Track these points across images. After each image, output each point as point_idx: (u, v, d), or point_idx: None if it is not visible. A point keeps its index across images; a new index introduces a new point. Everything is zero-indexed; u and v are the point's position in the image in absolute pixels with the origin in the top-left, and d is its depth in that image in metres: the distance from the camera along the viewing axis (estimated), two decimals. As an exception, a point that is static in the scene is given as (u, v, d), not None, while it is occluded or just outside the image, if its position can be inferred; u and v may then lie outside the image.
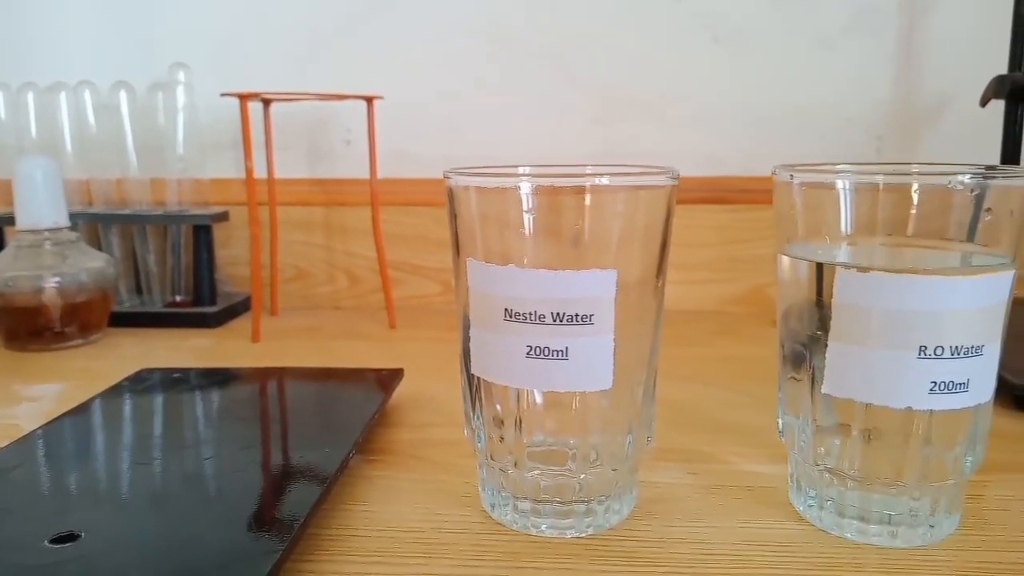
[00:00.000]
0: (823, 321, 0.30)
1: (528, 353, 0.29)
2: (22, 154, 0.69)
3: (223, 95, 0.60)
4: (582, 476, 0.31)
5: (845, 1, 0.69)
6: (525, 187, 0.30)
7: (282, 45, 0.74)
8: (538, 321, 0.29)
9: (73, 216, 0.65)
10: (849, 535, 0.31)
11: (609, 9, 0.71)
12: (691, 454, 0.40)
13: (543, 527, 0.32)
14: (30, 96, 0.70)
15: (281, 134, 0.73)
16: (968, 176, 0.28)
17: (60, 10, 0.74)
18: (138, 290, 0.72)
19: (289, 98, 0.65)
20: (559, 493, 0.31)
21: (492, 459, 0.32)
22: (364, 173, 0.67)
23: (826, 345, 0.30)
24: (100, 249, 0.69)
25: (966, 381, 0.29)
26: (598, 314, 0.29)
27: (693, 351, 0.61)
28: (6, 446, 0.36)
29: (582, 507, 0.32)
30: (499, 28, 0.72)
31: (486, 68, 0.73)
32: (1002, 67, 0.61)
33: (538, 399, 0.31)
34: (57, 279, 0.60)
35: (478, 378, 0.31)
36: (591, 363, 0.30)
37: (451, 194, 0.31)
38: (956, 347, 0.28)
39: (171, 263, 0.71)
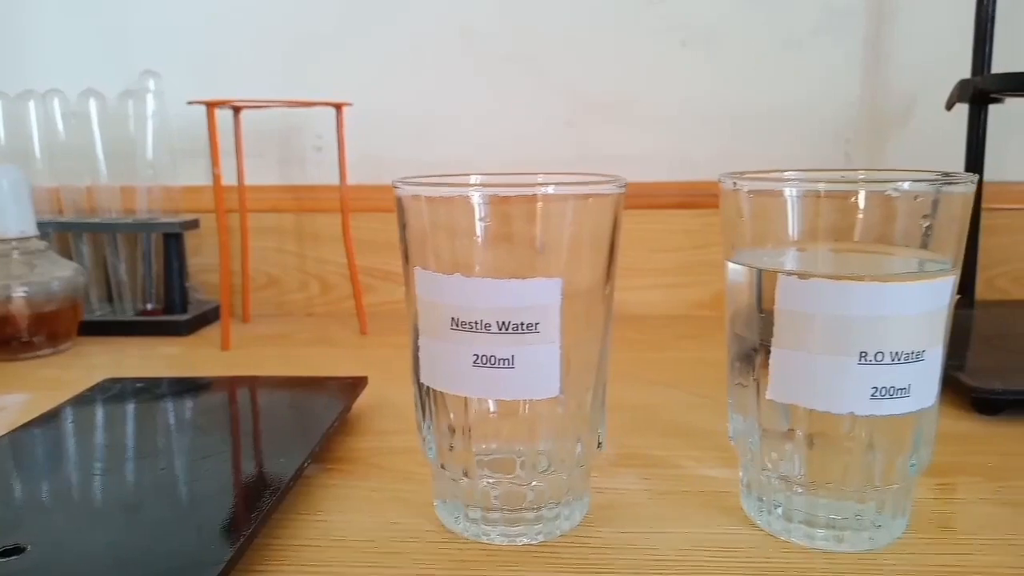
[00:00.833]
0: (767, 327, 0.30)
1: (475, 362, 0.30)
2: (-9, 163, 0.69)
3: (190, 103, 0.60)
4: (532, 484, 0.32)
5: (813, 4, 0.70)
6: (472, 196, 0.30)
7: (256, 52, 0.74)
8: (484, 330, 0.29)
9: (43, 225, 0.65)
10: (796, 540, 0.32)
11: (580, 13, 0.71)
12: (648, 459, 0.40)
13: (494, 535, 0.32)
14: (-1, 104, 0.70)
15: (253, 141, 0.73)
16: (907, 183, 0.29)
17: (29, 17, 0.74)
18: (109, 298, 0.72)
19: (258, 105, 0.65)
20: (509, 501, 0.32)
21: (443, 468, 0.32)
22: (336, 179, 0.67)
23: (769, 351, 0.30)
24: (71, 258, 0.69)
25: (907, 386, 0.29)
26: (544, 322, 0.29)
27: (660, 355, 0.61)
28: (-40, 458, 0.36)
29: (532, 514, 0.32)
30: (471, 33, 0.72)
31: (458, 73, 0.73)
32: (968, 70, 0.62)
33: (486, 407, 0.31)
34: (25, 289, 0.60)
35: (427, 387, 0.32)
36: (538, 371, 0.30)
37: (400, 203, 0.31)
38: (896, 353, 0.29)
39: (142, 271, 0.71)
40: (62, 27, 0.74)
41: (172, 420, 0.42)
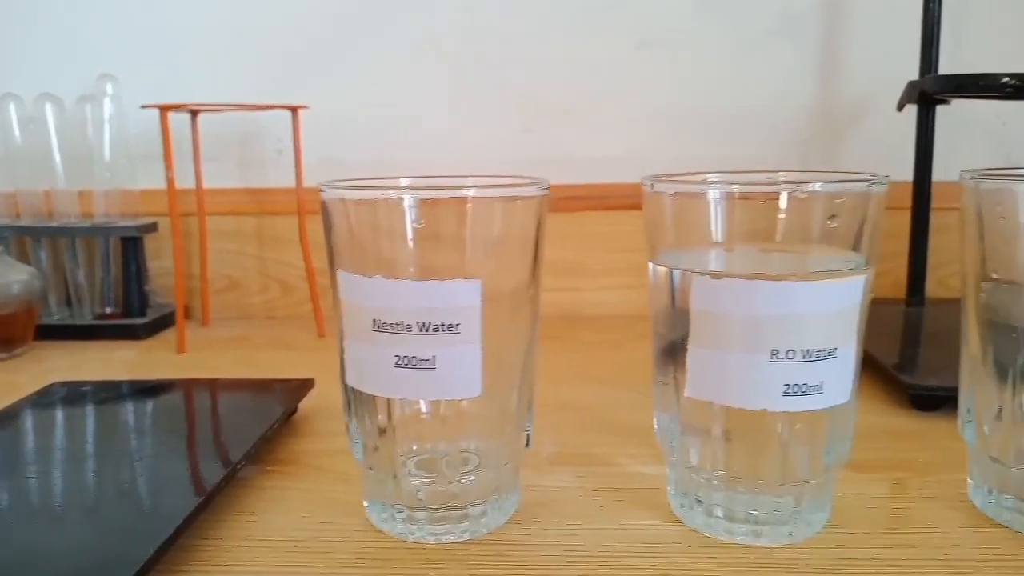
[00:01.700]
0: (685, 326, 0.31)
1: (397, 363, 0.30)
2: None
3: (143, 107, 0.60)
4: (458, 483, 0.32)
5: (768, 6, 0.70)
6: (394, 199, 0.30)
7: (218, 57, 0.74)
8: (405, 331, 0.30)
9: (0, 229, 0.65)
10: (717, 535, 0.32)
11: (537, 16, 0.72)
12: (585, 457, 0.41)
13: (421, 534, 0.32)
14: (-45, 109, 0.70)
15: (213, 144, 0.73)
16: (814, 185, 0.29)
17: (-13, 22, 0.74)
18: (68, 303, 0.71)
19: (215, 108, 0.65)
20: (435, 500, 0.32)
21: (371, 468, 0.33)
22: (295, 182, 0.68)
23: (687, 349, 0.31)
24: (29, 262, 0.69)
25: (820, 383, 0.30)
26: (464, 323, 0.30)
27: (614, 355, 0.61)
28: None
29: (458, 513, 0.32)
30: (433, 37, 0.73)
31: (419, 77, 0.73)
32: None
33: (411, 408, 0.32)
34: (-22, 293, 0.60)
35: (353, 388, 0.32)
36: (459, 371, 0.30)
37: (324, 207, 0.32)
38: (808, 351, 0.29)
39: (100, 275, 0.71)
40: (18, 32, 0.74)
41: (113, 423, 0.42)
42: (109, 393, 0.46)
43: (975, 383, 0.34)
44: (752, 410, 0.30)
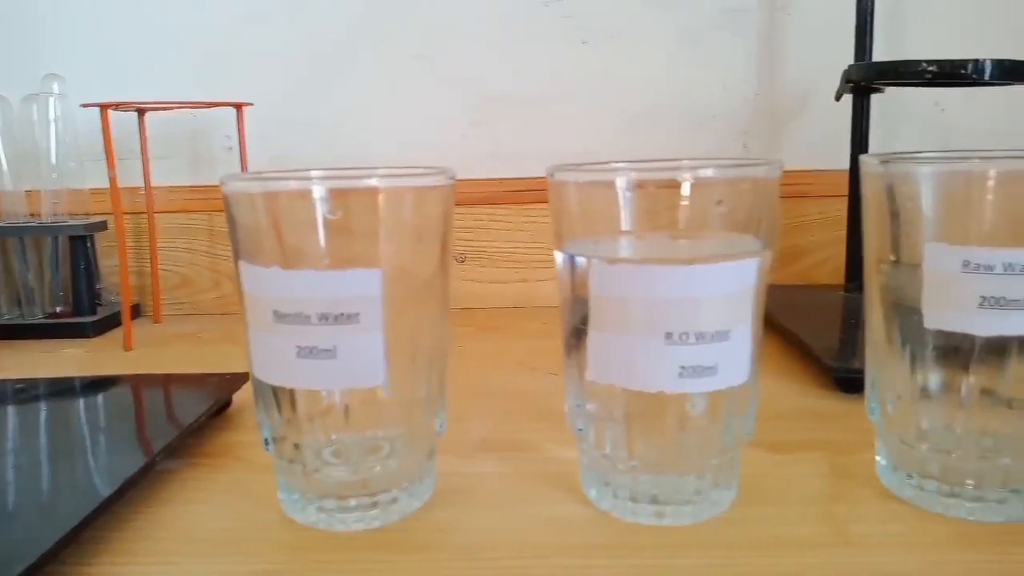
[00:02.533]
0: (585, 312, 0.31)
1: (298, 353, 0.30)
2: None
3: (83, 105, 0.60)
4: (368, 470, 0.32)
5: (711, 1, 0.71)
6: (298, 190, 0.30)
7: (167, 56, 0.74)
8: (304, 322, 0.30)
9: (-56, 230, 0.64)
10: (623, 516, 0.33)
11: (480, 12, 0.72)
12: (510, 443, 0.41)
13: (331, 522, 0.33)
14: (-100, 110, 0.70)
15: (163, 143, 0.73)
16: (699, 171, 0.30)
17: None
18: (19, 303, 0.71)
19: (160, 107, 0.66)
20: (345, 488, 0.32)
21: (281, 459, 0.33)
22: (241, 179, 0.68)
23: (587, 334, 0.31)
24: (-22, 263, 0.69)
25: (715, 365, 0.30)
26: (364, 312, 0.30)
27: (554, 344, 0.61)
28: None
29: (369, 500, 0.33)
30: (379, 34, 0.73)
31: (366, 73, 0.73)
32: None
33: (317, 398, 0.32)
34: (-80, 294, 0.59)
35: (260, 380, 0.32)
36: (361, 361, 0.30)
37: (226, 200, 0.32)
38: (702, 333, 0.30)
39: (50, 274, 0.71)
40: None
41: (40, 419, 0.42)
42: (42, 390, 0.46)
43: (878, 364, 0.35)
44: (650, 392, 0.30)
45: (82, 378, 0.49)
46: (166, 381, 0.48)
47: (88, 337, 0.67)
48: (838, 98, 0.65)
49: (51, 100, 0.69)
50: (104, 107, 0.59)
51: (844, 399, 0.46)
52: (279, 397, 0.32)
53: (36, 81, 0.70)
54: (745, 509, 0.33)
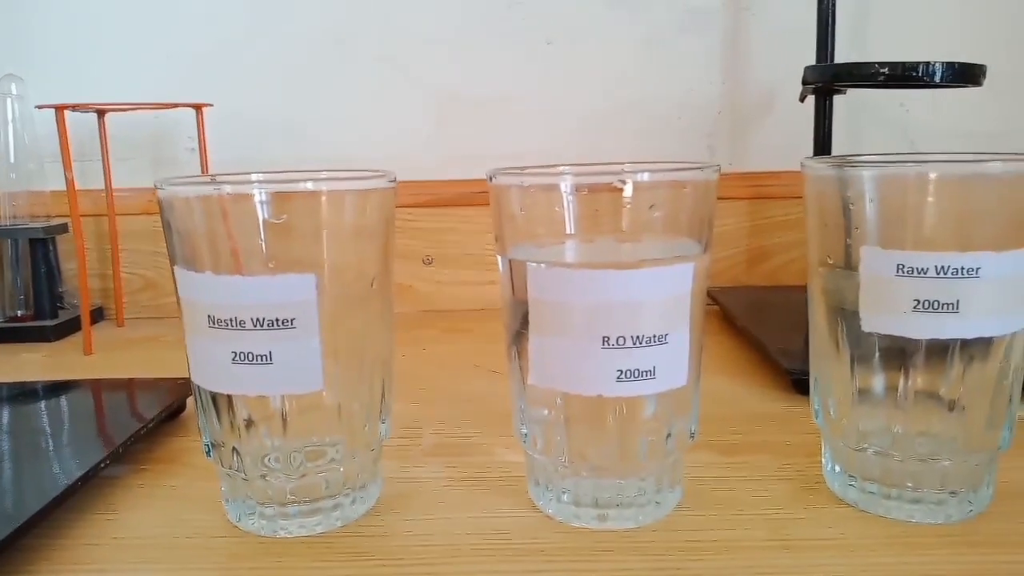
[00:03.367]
0: (526, 315, 0.31)
1: (234, 359, 0.30)
2: None
3: (38, 107, 0.59)
4: (309, 477, 0.32)
5: (676, 2, 0.71)
6: (233, 195, 0.30)
7: (130, 58, 0.73)
8: (239, 327, 0.30)
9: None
10: (568, 520, 0.33)
11: (445, 14, 0.72)
12: (462, 447, 0.41)
13: (273, 528, 0.32)
14: None
15: (126, 144, 0.72)
16: (645, 174, 0.30)
17: None
18: (-20, 306, 0.71)
19: (119, 108, 0.65)
20: (286, 495, 0.32)
21: (221, 465, 0.33)
22: (204, 181, 0.67)
23: (528, 339, 0.31)
24: (-63, 266, 0.68)
25: (652, 369, 0.30)
26: (300, 318, 0.30)
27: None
28: None
29: (309, 507, 0.32)
30: (339, 35, 0.72)
31: (330, 75, 0.73)
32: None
33: (256, 404, 0.32)
34: None
35: (198, 386, 0.32)
36: (297, 366, 0.30)
37: (161, 204, 0.31)
38: (638, 337, 0.30)
39: (10, 278, 0.70)
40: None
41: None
42: (-9, 396, 0.46)
43: (821, 367, 0.35)
44: (588, 396, 0.30)
45: (34, 383, 0.48)
46: (119, 386, 0.48)
47: (49, 341, 0.67)
48: (802, 99, 0.65)
49: (8, 101, 0.68)
50: (60, 108, 0.59)
51: (800, 402, 0.47)
52: (217, 403, 0.32)
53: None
54: (688, 512, 0.33)
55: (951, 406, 0.32)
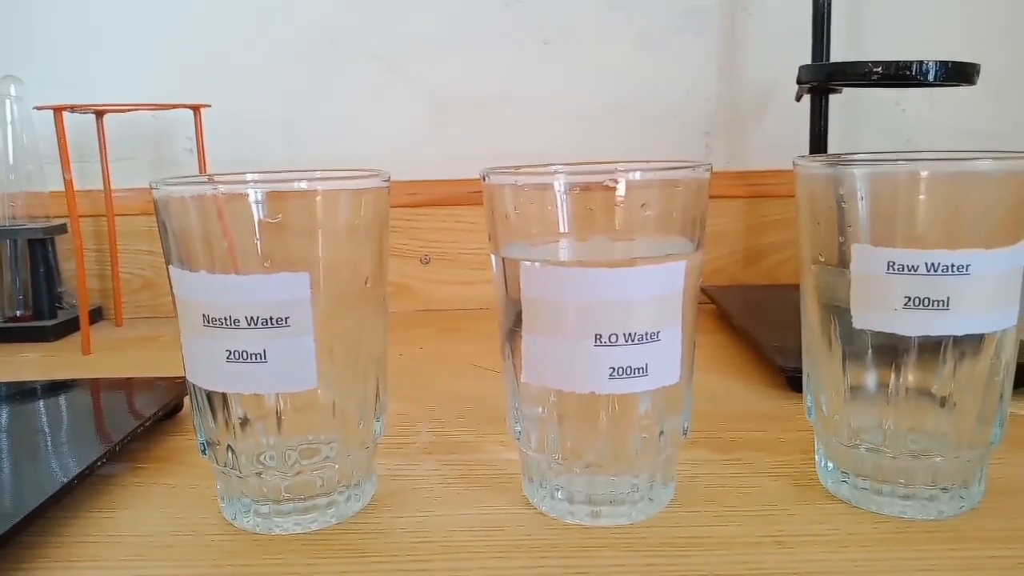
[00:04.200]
0: (519, 314, 0.31)
1: (228, 357, 0.30)
2: None
3: (37, 108, 0.60)
4: (304, 474, 0.32)
5: (673, 1, 0.71)
6: (226, 195, 0.30)
7: (131, 59, 0.73)
8: (233, 326, 0.30)
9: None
10: (560, 517, 0.33)
11: (442, 14, 0.72)
12: (457, 445, 0.41)
13: (268, 526, 0.33)
14: None
15: (125, 145, 0.73)
16: (636, 172, 0.30)
17: None
18: (-21, 307, 0.71)
19: (117, 109, 0.65)
20: (281, 493, 0.32)
21: (217, 463, 0.33)
22: (202, 181, 0.68)
23: (521, 337, 0.31)
24: (-64, 266, 0.68)
25: (644, 366, 0.30)
26: (294, 316, 0.30)
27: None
28: None
29: (304, 504, 0.33)
30: (338, 36, 0.73)
31: (327, 76, 0.73)
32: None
33: (251, 402, 0.32)
34: None
35: (193, 384, 0.32)
36: (291, 364, 0.30)
37: (156, 204, 0.32)
38: (631, 334, 0.30)
39: (9, 278, 0.70)
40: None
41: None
42: (-11, 396, 0.46)
43: (813, 364, 0.35)
44: (581, 393, 0.30)
45: (33, 383, 0.49)
46: (117, 385, 0.48)
47: (48, 341, 0.67)
48: (798, 99, 0.65)
49: (7, 102, 0.68)
50: (58, 109, 0.59)
51: (795, 399, 0.47)
52: (213, 402, 0.32)
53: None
54: (680, 509, 0.34)
55: (943, 403, 0.32)
